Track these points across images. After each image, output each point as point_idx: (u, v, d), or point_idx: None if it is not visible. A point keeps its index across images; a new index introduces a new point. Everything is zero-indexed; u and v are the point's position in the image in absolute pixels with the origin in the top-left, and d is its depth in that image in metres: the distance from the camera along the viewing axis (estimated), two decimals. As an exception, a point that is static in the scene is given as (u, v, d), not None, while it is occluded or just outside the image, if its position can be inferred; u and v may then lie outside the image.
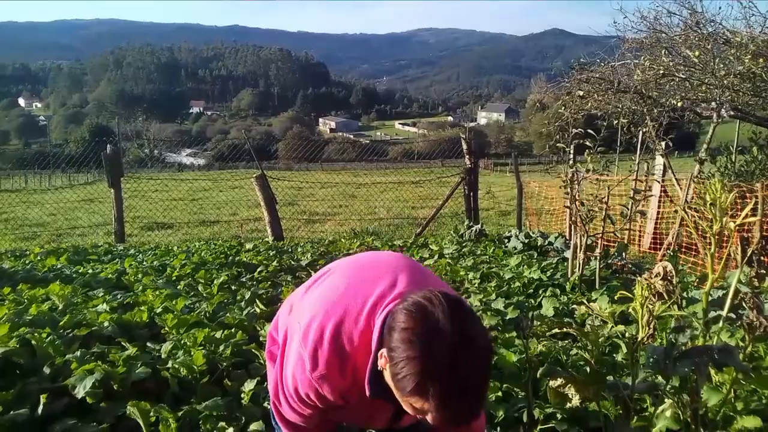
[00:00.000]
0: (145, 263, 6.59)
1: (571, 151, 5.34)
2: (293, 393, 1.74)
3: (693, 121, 10.90)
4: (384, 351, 1.46)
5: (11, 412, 3.12)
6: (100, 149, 10.94)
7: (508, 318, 4.56)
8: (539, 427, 3.24)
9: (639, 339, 2.38)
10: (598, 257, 5.32)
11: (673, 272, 2.39)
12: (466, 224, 9.51)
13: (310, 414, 1.78)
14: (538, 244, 7.38)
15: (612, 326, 2.40)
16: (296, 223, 15.16)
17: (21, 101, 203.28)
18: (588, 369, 2.54)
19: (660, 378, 2.52)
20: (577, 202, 5.29)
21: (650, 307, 2.36)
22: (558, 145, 5.21)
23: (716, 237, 2.46)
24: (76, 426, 3.16)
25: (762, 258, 2.58)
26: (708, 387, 3.26)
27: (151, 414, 3.21)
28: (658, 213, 10.07)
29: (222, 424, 3.21)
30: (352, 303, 1.64)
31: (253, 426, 3.21)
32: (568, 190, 5.24)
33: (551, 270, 5.75)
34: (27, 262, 6.86)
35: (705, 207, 2.45)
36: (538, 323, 2.34)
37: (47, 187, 33.14)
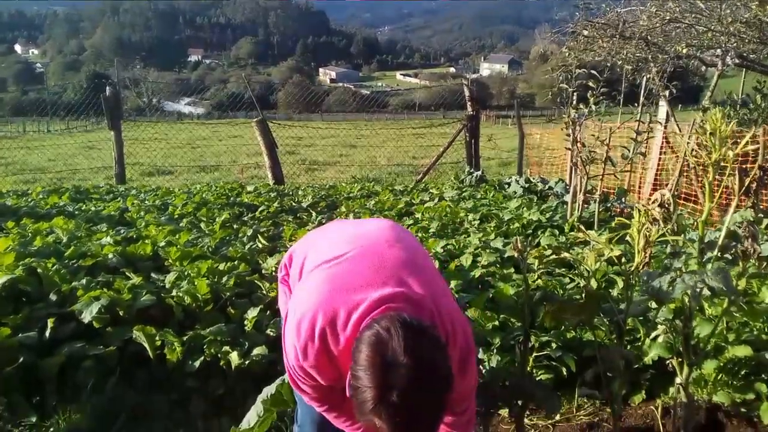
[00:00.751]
0: (147, 202, 6.63)
1: (574, 92, 5.32)
2: (292, 366, 1.82)
3: (697, 73, 10.80)
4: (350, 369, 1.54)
5: (20, 335, 3.20)
6: (98, 97, 10.87)
7: (506, 256, 4.63)
8: (534, 354, 3.33)
9: (635, 264, 2.42)
10: (597, 199, 5.36)
11: (671, 200, 2.42)
12: (466, 171, 9.52)
13: (312, 385, 1.85)
14: (538, 189, 7.41)
15: (609, 251, 2.45)
16: (297, 170, 15.17)
17: (17, 48, 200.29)
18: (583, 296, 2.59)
19: (654, 303, 2.58)
20: (578, 143, 5.29)
21: (647, 233, 2.40)
22: (561, 86, 5.19)
23: (714, 166, 2.49)
24: (83, 348, 3.25)
25: (759, 190, 2.61)
26: (700, 318, 3.35)
27: (157, 338, 3.29)
28: (659, 162, 10.06)
29: (226, 348, 3.29)
30: (344, 307, 1.67)
31: (256, 350, 3.30)
32: (570, 131, 5.24)
33: (550, 212, 5.80)
34: (29, 200, 6.91)
35: (705, 136, 2.47)
36: (537, 249, 2.38)
37: (45, 134, 32.94)
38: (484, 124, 29.62)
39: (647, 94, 9.33)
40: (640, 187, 10.43)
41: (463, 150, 11.05)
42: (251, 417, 2.37)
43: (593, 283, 2.44)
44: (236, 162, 17.38)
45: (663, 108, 9.20)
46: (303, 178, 13.92)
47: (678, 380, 2.61)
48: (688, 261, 2.43)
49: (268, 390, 2.38)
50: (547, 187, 7.45)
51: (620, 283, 3.72)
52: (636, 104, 8.48)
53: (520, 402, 2.40)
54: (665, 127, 9.40)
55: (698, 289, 2.42)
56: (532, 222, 5.43)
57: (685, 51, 8.88)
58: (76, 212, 5.91)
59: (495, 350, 2.83)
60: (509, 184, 7.95)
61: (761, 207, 2.76)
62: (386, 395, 1.41)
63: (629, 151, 5.23)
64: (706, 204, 2.59)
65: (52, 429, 2.95)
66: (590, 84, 5.11)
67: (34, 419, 3.03)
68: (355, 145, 21.82)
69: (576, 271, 3.79)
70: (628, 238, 2.53)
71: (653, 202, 2.46)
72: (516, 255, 2.30)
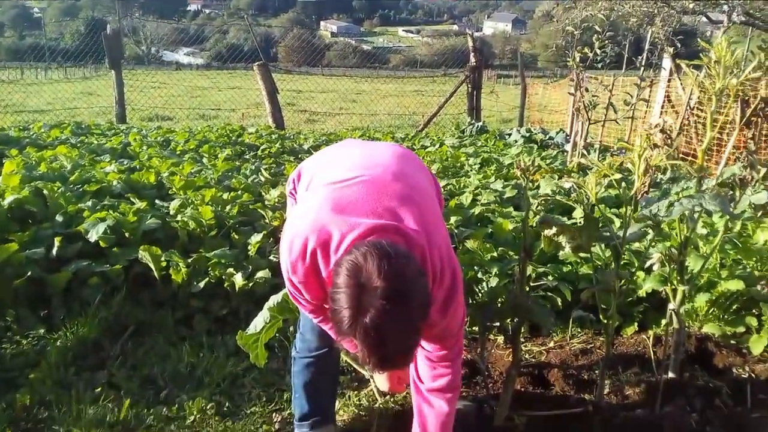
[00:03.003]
0: (149, 138, 6.65)
1: (577, 40, 5.30)
2: (285, 280, 1.86)
3: (701, 37, 10.69)
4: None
5: (27, 251, 3.26)
6: (96, 43, 10.75)
7: (506, 197, 4.68)
8: (531, 284, 3.41)
9: (635, 188, 2.47)
10: (597, 148, 5.39)
11: (672, 126, 2.45)
12: (467, 121, 9.51)
13: (303, 300, 1.89)
14: (539, 138, 7.43)
15: (612, 175, 2.49)
16: (297, 120, 15.10)
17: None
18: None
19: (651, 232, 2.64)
20: (581, 89, 5.30)
21: (647, 158, 2.44)
22: (567, 28, 5.17)
23: (717, 97, 2.53)
24: (89, 266, 3.32)
25: (760, 120, 2.64)
26: (694, 255, 3.42)
27: (162, 259, 3.36)
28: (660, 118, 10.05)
29: (230, 270, 3.36)
30: (339, 229, 1.69)
31: (259, 273, 3.37)
32: (573, 76, 5.24)
33: (550, 159, 5.83)
34: (31, 133, 6.91)
35: (710, 64, 2.51)
36: (540, 171, 2.43)
37: (44, 80, 32.55)
38: (486, 83, 29.40)
39: (651, 51, 9.25)
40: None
41: (464, 105, 11.01)
42: (258, 322, 2.44)
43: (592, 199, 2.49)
44: (236, 111, 17.27)
45: (666, 63, 9.17)
46: (303, 127, 13.88)
47: (671, 306, 2.69)
48: (687, 187, 2.48)
49: (275, 298, 2.44)
50: (547, 137, 7.47)
51: (617, 223, 3.78)
52: (639, 59, 8.43)
53: (516, 319, 2.48)
54: (668, 83, 9.38)
55: (695, 212, 2.49)
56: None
57: (692, 5, 8.79)
58: (79, 145, 5.93)
59: (494, 273, 2.90)
60: (510, 134, 7.96)
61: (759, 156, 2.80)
62: (360, 317, 1.46)
63: (632, 98, 5.24)
64: (707, 133, 2.64)
65: (59, 341, 3.03)
66: (594, 39, 5.09)
67: (42, 331, 3.12)
68: (355, 101, 21.64)
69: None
70: (629, 164, 2.57)
71: (655, 127, 2.50)
72: (519, 173, 2.34)
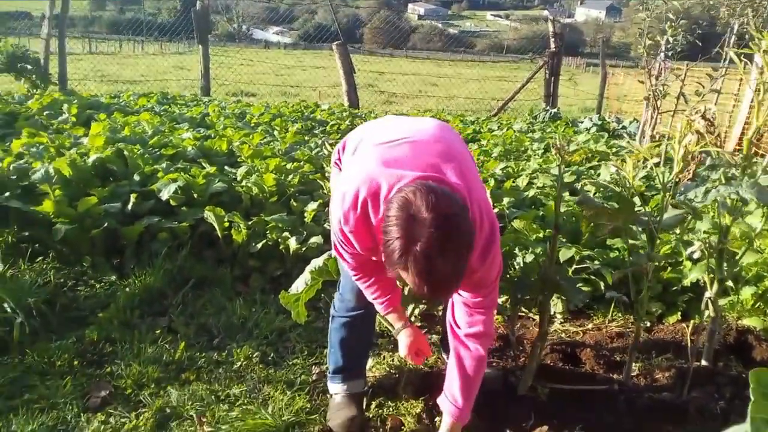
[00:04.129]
0: (227, 110, 6.99)
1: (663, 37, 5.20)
2: (336, 231, 2.03)
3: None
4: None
5: (105, 205, 3.57)
6: (190, 19, 11.22)
7: (565, 182, 4.69)
8: (574, 266, 3.46)
9: (673, 173, 2.50)
10: (666, 136, 5.28)
11: (715, 113, 2.46)
12: (542, 107, 9.42)
13: (351, 252, 2.05)
14: (611, 127, 7.31)
15: (650, 157, 2.52)
16: (374, 101, 15.29)
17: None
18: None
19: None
20: (652, 77, 5.21)
21: (687, 144, 2.46)
22: (640, 14, 5.08)
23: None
24: (160, 222, 3.60)
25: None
26: (750, 249, 3.37)
27: (225, 219, 3.60)
28: (747, 117, 9.62)
29: (286, 234, 3.57)
30: (387, 181, 1.84)
31: (313, 239, 3.56)
32: (645, 63, 5.16)
33: (617, 148, 5.76)
34: (120, 101, 7.40)
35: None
36: (577, 152, 2.49)
37: (140, 53, 34.10)
38: (573, 70, 28.66)
39: (739, 44, 8.86)
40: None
41: (543, 90, 10.88)
42: (299, 284, 2.63)
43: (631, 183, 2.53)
44: (316, 89, 17.65)
45: (757, 57, 8.75)
46: (378, 108, 14.06)
47: (707, 294, 2.70)
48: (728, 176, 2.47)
49: (316, 262, 2.63)
50: (620, 126, 7.33)
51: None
52: (720, 49, 8.10)
53: (546, 293, 2.56)
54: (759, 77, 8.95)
55: (730, 199, 2.49)
56: (597, 154, 5.43)
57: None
58: (162, 113, 6.32)
59: (531, 250, 2.97)
60: (582, 122, 7.86)
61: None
62: (411, 246, 1.61)
63: (704, 88, 5.10)
64: (754, 122, 2.62)
65: (128, 288, 3.33)
66: (667, 29, 5.00)
67: (113, 278, 3.43)
68: (436, 84, 21.63)
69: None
70: (670, 149, 2.59)
71: (696, 114, 2.51)
72: (554, 153, 2.41)
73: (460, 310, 2.10)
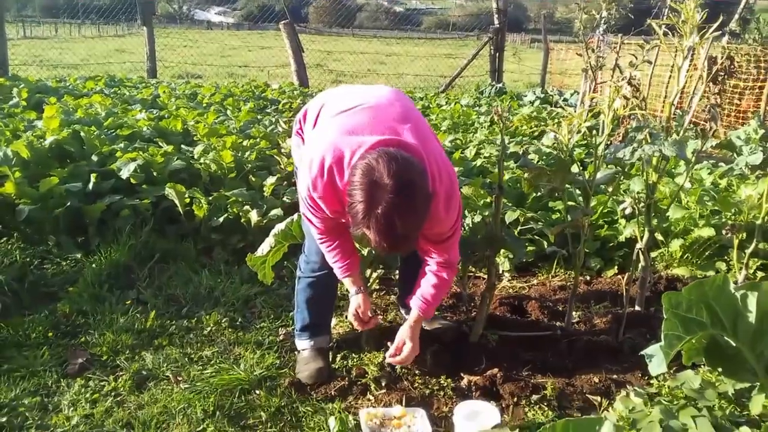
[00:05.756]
0: (177, 91, 7.01)
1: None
2: (305, 197, 2.21)
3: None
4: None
5: (67, 185, 3.65)
6: (129, 1, 11.07)
7: (509, 151, 4.95)
8: (519, 227, 3.72)
9: (603, 135, 2.75)
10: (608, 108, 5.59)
11: (640, 80, 2.72)
12: (488, 83, 9.68)
13: (320, 216, 2.24)
14: (554, 99, 7.62)
15: (583, 122, 2.76)
16: (323, 80, 15.32)
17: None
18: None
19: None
20: (589, 50, 5.48)
21: (616, 108, 2.72)
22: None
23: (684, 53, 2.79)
24: (121, 200, 3.70)
25: (726, 77, 2.87)
26: (675, 205, 3.68)
27: (186, 195, 3.72)
28: (683, 88, 10.09)
29: (247, 207, 3.71)
30: (350, 147, 2.03)
31: (273, 211, 3.72)
32: (581, 36, 5.42)
33: (558, 118, 6.05)
34: (67, 84, 7.33)
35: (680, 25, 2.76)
36: (517, 117, 2.71)
37: (78, 36, 33.08)
38: (518, 47, 29.09)
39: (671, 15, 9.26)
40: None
41: (488, 66, 11.13)
42: (264, 247, 2.80)
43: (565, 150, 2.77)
44: (263, 70, 17.55)
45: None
46: (328, 86, 14.09)
47: (638, 245, 2.98)
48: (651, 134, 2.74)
49: (279, 226, 2.80)
50: (562, 98, 7.65)
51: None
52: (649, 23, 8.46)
53: (492, 249, 2.79)
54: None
55: (655, 157, 2.76)
56: (540, 129, 5.70)
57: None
58: (112, 95, 6.32)
59: (477, 212, 3.20)
60: (526, 96, 8.15)
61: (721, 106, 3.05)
62: (373, 209, 1.83)
63: (636, 58, 5.39)
64: (675, 87, 2.90)
65: (94, 264, 3.42)
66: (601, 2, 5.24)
67: (79, 255, 3.53)
68: (384, 62, 21.71)
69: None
70: (600, 113, 2.85)
71: (623, 80, 2.76)
72: (496, 118, 2.63)
73: (430, 247, 2.33)
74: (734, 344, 1.68)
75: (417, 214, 1.90)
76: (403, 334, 2.43)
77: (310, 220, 2.31)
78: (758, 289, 1.55)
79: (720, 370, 1.80)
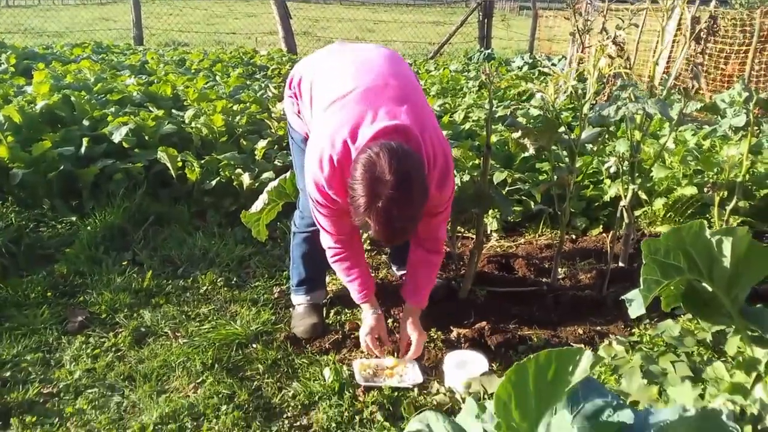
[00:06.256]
0: (166, 57, 6.98)
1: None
2: (314, 197, 2.22)
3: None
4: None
5: (59, 149, 3.67)
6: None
7: (497, 115, 5.00)
8: (507, 188, 3.79)
9: (589, 94, 2.81)
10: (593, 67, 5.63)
11: (625, 39, 2.77)
12: (476, 49, 9.67)
13: (330, 213, 2.26)
14: (542, 65, 7.65)
15: (569, 82, 2.82)
16: (311, 48, 15.17)
17: None
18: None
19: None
20: (576, 14, 5.50)
21: (600, 67, 2.77)
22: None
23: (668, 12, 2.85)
24: (114, 164, 3.74)
25: (709, 36, 2.93)
26: (658, 164, 3.77)
27: (178, 159, 3.76)
28: (670, 54, 10.11)
29: (239, 171, 3.76)
30: (353, 138, 2.06)
31: (265, 174, 3.76)
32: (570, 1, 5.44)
33: (547, 83, 6.09)
34: (55, 51, 7.27)
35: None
36: (506, 78, 2.75)
37: (60, 4, 32.45)
38: (507, 14, 28.89)
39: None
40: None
41: (477, 33, 11.09)
42: (258, 204, 2.86)
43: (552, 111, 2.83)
44: (251, 37, 17.37)
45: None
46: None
47: (622, 203, 3.06)
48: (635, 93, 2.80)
49: (272, 184, 2.85)
50: (551, 63, 7.67)
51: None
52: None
53: (481, 206, 2.86)
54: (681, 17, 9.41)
55: (638, 114, 2.83)
56: (527, 90, 5.75)
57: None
58: (100, 61, 6.29)
59: (466, 170, 3.26)
60: (514, 62, 8.17)
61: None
62: (374, 202, 1.90)
63: (623, 21, 5.43)
64: (659, 45, 2.96)
65: (89, 226, 3.47)
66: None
67: (74, 218, 3.57)
68: (372, 30, 21.51)
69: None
70: (586, 73, 2.90)
71: (608, 39, 2.81)
72: (484, 77, 2.68)
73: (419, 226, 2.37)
74: (710, 289, 1.76)
75: (414, 207, 1.97)
76: (407, 329, 2.45)
77: (319, 221, 2.33)
78: (733, 235, 1.63)
79: (697, 314, 1.89)
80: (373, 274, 3.15)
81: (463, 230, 3.66)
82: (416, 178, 1.95)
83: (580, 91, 2.85)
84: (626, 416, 1.23)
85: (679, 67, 3.02)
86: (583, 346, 2.52)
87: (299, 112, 2.51)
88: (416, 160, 2.00)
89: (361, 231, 2.48)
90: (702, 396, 1.73)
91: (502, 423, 1.19)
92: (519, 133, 2.90)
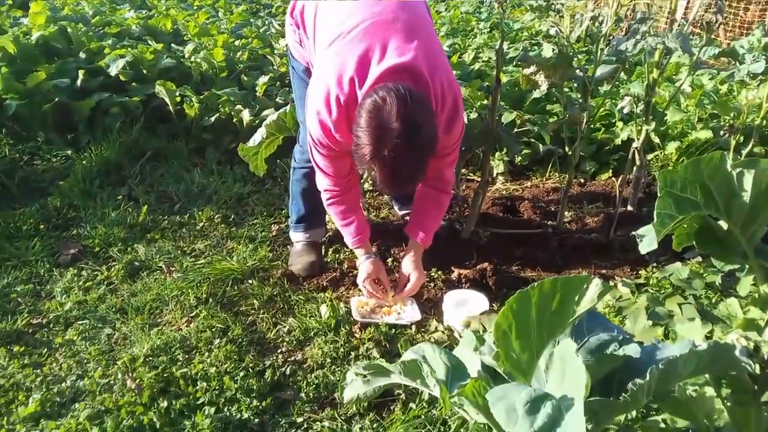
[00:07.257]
0: (167, -8, 6.78)
1: None
2: (316, 135, 2.09)
3: None
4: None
5: (55, 80, 3.56)
6: None
7: (508, 56, 4.83)
8: (516, 129, 3.66)
9: (607, 27, 2.66)
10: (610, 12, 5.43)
11: (647, -32, 2.61)
12: (489, -7, 9.37)
13: (330, 156, 2.14)
14: (558, 6, 7.40)
15: (587, 15, 2.67)
16: None
17: None
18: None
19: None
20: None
21: (620, -2, 2.62)
22: None
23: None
24: (111, 97, 3.62)
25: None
26: (673, 107, 3.63)
27: (177, 93, 3.64)
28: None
29: (239, 107, 3.64)
30: (361, 78, 1.92)
31: (266, 111, 3.64)
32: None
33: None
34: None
35: None
36: (520, 9, 2.61)
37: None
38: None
39: None
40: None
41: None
42: (256, 137, 2.76)
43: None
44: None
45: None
46: None
47: (635, 144, 2.94)
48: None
49: (271, 117, 2.74)
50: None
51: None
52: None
53: (488, 144, 2.75)
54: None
55: (657, 48, 2.68)
56: (540, 32, 5.55)
57: None
58: (100, -5, 6.11)
59: (474, 109, 3.14)
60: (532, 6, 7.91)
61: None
62: (379, 151, 1.78)
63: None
64: (679, -22, 2.78)
65: (85, 161, 3.38)
66: None
67: (69, 152, 3.48)
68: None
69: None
70: (603, 4, 2.75)
71: (628, -31, 2.65)
72: (496, 6, 2.53)
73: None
74: (726, 226, 1.67)
75: (422, 158, 1.87)
76: (407, 266, 2.38)
77: (322, 154, 2.19)
78: (755, 167, 1.52)
79: (711, 253, 1.79)
80: (374, 214, 3.09)
81: (467, 172, 3.55)
82: (424, 126, 1.82)
83: (597, 24, 2.70)
84: (633, 350, 1.16)
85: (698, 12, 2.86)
86: (587, 287, 2.44)
87: (300, 41, 2.36)
88: (425, 106, 1.87)
89: (360, 173, 2.37)
90: (711, 335, 1.66)
91: (501, 353, 1.12)
92: (531, 69, 2.76)
